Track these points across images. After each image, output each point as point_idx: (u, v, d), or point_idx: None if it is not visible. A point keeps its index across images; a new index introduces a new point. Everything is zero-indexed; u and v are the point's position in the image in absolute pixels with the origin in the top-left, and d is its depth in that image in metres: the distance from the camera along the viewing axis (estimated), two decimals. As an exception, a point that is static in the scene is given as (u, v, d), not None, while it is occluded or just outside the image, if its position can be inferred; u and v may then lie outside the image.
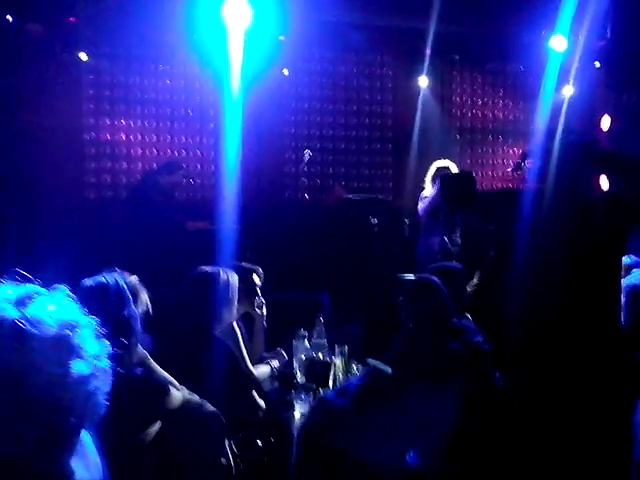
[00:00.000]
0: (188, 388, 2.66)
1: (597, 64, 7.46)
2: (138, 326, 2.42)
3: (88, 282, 2.37)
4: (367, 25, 7.83)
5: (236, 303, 3.16)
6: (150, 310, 3.30)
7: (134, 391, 2.17)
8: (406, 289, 3.19)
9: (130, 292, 3.19)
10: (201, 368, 2.72)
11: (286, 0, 6.77)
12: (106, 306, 2.24)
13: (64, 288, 1.28)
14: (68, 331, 1.19)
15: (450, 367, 2.78)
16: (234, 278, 3.14)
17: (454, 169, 5.94)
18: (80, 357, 1.18)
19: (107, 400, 1.23)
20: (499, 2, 7.45)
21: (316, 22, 7.30)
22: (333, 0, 7.20)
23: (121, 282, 2.41)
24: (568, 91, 8.06)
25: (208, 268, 3.10)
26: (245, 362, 3.30)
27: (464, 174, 5.02)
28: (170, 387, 2.48)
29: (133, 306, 2.41)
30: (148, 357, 2.60)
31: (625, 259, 3.79)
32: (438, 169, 5.89)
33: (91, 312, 2.03)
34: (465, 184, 3.69)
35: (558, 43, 7.23)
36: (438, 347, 2.83)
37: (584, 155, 2.92)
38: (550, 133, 8.06)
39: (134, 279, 3.30)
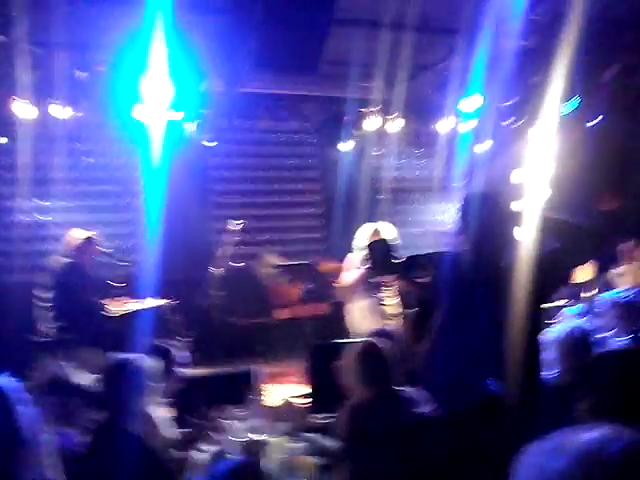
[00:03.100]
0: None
1: (508, 121, 7.84)
2: (28, 434, 2.08)
3: None
4: (287, 95, 8.03)
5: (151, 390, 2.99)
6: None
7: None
8: (350, 353, 3.13)
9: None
10: (116, 467, 2.55)
11: (206, 74, 6.87)
12: None
13: None
14: None
15: (397, 440, 2.75)
16: (147, 364, 2.97)
17: (385, 231, 5.94)
18: None
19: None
20: (415, 66, 7.78)
21: (237, 94, 7.41)
22: (253, 72, 7.36)
23: (7, 385, 2.07)
24: (481, 148, 8.42)
25: (118, 357, 2.94)
26: (170, 447, 3.13)
27: (382, 241, 5.12)
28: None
29: (26, 410, 2.08)
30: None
31: (573, 309, 3.88)
32: (366, 233, 5.89)
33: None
34: (387, 250, 3.78)
35: (470, 103, 7.59)
36: (386, 419, 2.81)
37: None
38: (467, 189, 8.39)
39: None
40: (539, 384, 3.03)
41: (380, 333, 3.69)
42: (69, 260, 5.41)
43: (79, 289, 5.25)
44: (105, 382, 2.89)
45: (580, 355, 3.07)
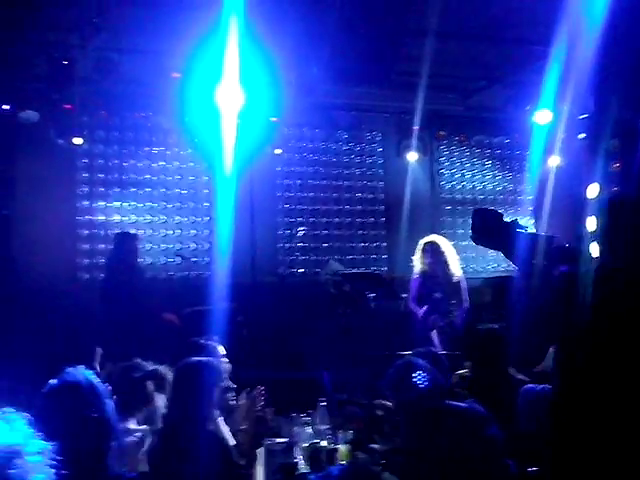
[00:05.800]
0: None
1: (582, 136, 7.62)
2: (116, 424, 2.20)
3: (55, 382, 2.13)
4: (356, 105, 8.06)
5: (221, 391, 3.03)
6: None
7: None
8: (388, 376, 2.98)
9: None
10: (199, 465, 2.58)
11: (277, 83, 6.97)
12: (78, 406, 2.06)
13: (13, 410, 1.21)
14: (5, 461, 1.14)
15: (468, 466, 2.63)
16: (224, 368, 3.02)
17: (443, 243, 5.88)
18: None
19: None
20: (484, 79, 7.69)
21: (306, 103, 7.48)
22: (322, 82, 7.42)
23: (93, 378, 2.18)
24: (554, 162, 8.22)
25: (200, 359, 2.98)
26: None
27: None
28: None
29: (109, 402, 2.18)
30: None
31: None
32: (425, 244, 5.84)
33: (61, 414, 1.90)
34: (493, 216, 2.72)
35: (542, 117, 7.42)
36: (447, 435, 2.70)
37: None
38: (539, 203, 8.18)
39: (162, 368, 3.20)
40: None
41: (425, 353, 3.57)
42: (114, 259, 5.57)
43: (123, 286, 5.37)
44: (187, 381, 2.94)
45: None
